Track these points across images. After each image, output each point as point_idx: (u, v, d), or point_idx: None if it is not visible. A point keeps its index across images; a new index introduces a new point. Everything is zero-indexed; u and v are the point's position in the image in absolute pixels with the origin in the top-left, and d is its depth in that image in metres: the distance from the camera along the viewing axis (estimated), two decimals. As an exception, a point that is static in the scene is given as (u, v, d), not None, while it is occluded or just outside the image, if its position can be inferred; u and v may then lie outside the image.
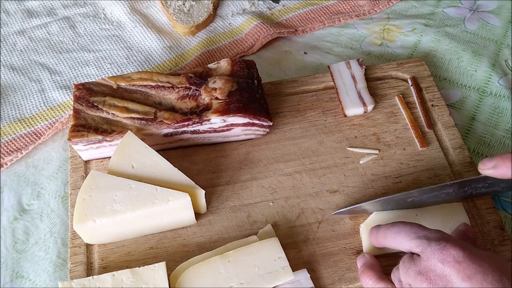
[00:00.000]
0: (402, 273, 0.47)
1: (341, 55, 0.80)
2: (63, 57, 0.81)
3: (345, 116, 0.69)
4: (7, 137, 0.71)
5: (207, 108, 0.62)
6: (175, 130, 0.62)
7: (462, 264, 0.42)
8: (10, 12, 0.86)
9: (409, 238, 0.47)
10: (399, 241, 0.49)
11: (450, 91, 0.75)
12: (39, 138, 0.71)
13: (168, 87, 0.64)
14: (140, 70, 0.78)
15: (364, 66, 0.72)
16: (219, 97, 0.62)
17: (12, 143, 0.71)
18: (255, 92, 0.64)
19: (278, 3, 0.87)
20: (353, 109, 0.68)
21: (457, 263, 0.43)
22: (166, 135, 0.63)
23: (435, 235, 0.46)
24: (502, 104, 0.73)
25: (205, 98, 0.63)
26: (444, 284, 0.43)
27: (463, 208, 0.59)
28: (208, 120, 0.61)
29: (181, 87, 0.64)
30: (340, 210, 0.59)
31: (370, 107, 0.68)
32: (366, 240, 0.57)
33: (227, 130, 0.64)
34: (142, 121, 0.61)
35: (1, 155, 0.69)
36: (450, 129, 0.67)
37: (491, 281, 0.41)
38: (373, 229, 0.54)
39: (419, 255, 0.46)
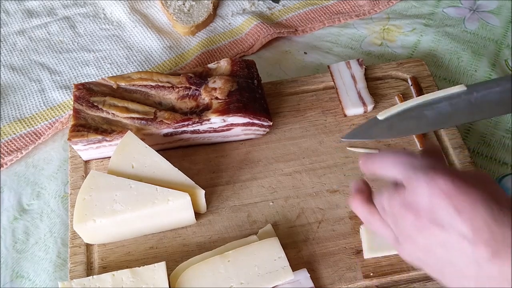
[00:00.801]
0: (386, 202, 0.44)
1: (341, 55, 0.80)
2: (63, 57, 0.81)
3: (345, 116, 0.69)
4: (7, 137, 0.71)
5: (207, 108, 0.62)
6: (175, 130, 0.62)
7: (451, 197, 0.39)
8: (10, 12, 0.86)
9: (393, 165, 0.44)
10: (385, 167, 0.45)
11: (450, 91, 0.75)
12: (39, 138, 0.71)
13: (168, 87, 0.64)
14: (140, 70, 0.78)
15: (364, 66, 0.72)
16: (219, 97, 0.62)
17: (12, 143, 0.71)
18: (255, 92, 0.64)
19: (278, 3, 0.87)
20: (353, 109, 0.68)
21: (446, 196, 0.39)
22: (166, 135, 0.63)
23: (421, 162, 0.42)
24: (502, 104, 0.73)
25: (205, 98, 0.63)
26: (431, 218, 0.40)
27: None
28: (208, 120, 0.61)
29: (181, 87, 0.64)
30: (349, 134, 0.52)
31: (370, 107, 0.68)
32: (366, 240, 0.57)
33: (227, 130, 0.64)
34: (142, 121, 0.62)
35: (1, 155, 0.69)
36: (450, 129, 0.67)
37: (482, 214, 0.39)
38: (363, 157, 0.49)
39: (404, 185, 0.43)
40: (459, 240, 0.39)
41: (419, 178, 0.41)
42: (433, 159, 0.44)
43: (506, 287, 0.38)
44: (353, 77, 0.71)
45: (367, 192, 0.49)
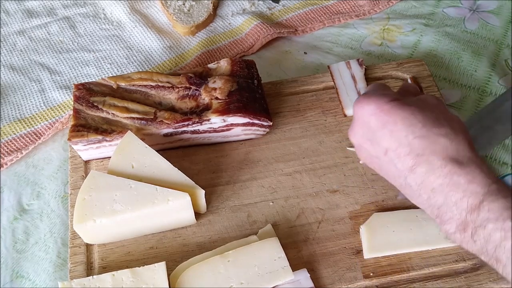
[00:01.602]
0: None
1: (341, 55, 0.80)
2: (63, 57, 0.81)
3: (345, 116, 0.69)
4: (7, 137, 0.71)
5: (207, 108, 0.62)
6: (175, 130, 0.62)
7: (375, 117, 0.47)
8: (10, 12, 0.86)
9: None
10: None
11: (450, 91, 0.75)
12: (39, 138, 0.71)
13: (168, 87, 0.64)
14: (140, 70, 0.78)
15: (364, 66, 0.72)
16: (219, 97, 0.62)
17: (12, 143, 0.71)
18: (255, 92, 0.64)
19: (278, 3, 0.87)
20: (353, 109, 0.68)
21: (371, 115, 0.47)
22: (166, 135, 0.63)
23: (363, 93, 0.50)
24: (502, 104, 0.73)
25: (205, 98, 0.63)
26: (362, 135, 0.49)
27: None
28: (208, 120, 0.61)
29: (181, 87, 0.64)
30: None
31: (370, 107, 0.68)
32: (366, 240, 0.57)
33: (227, 130, 0.64)
34: (142, 121, 0.62)
35: (1, 155, 0.69)
36: (450, 129, 0.67)
37: (401, 130, 0.45)
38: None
39: None
40: (385, 152, 0.47)
41: (355, 106, 0.50)
42: (377, 89, 0.51)
43: (429, 195, 0.45)
44: (353, 77, 0.71)
45: None
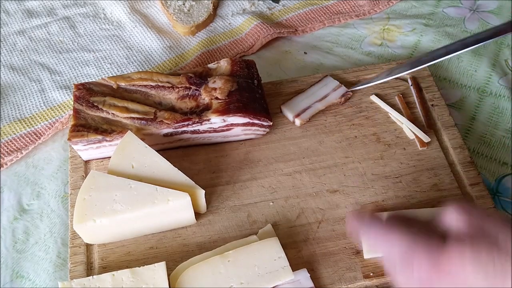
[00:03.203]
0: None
1: (341, 55, 0.80)
2: (63, 57, 0.81)
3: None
4: (7, 137, 0.71)
5: (207, 108, 0.62)
6: (175, 130, 0.62)
7: (430, 274, 0.40)
8: (10, 12, 0.86)
9: (383, 253, 0.45)
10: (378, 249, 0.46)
11: (450, 91, 0.75)
12: (39, 138, 0.71)
13: (168, 87, 0.64)
14: (140, 70, 0.78)
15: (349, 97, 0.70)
16: (219, 97, 0.62)
17: (12, 143, 0.71)
18: (255, 92, 0.64)
19: (278, 3, 0.87)
20: (353, 109, 0.68)
21: (425, 272, 0.40)
22: (166, 135, 0.63)
23: (398, 252, 0.42)
24: (502, 104, 0.73)
25: (205, 98, 0.63)
26: None
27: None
28: (208, 120, 0.61)
29: (181, 87, 0.64)
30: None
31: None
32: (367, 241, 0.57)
33: (227, 130, 0.64)
34: (142, 121, 0.62)
35: (1, 155, 0.69)
36: (450, 129, 0.67)
37: (470, 279, 0.38)
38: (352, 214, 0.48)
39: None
40: None
41: (398, 269, 0.42)
42: (408, 234, 0.43)
43: None
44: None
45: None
